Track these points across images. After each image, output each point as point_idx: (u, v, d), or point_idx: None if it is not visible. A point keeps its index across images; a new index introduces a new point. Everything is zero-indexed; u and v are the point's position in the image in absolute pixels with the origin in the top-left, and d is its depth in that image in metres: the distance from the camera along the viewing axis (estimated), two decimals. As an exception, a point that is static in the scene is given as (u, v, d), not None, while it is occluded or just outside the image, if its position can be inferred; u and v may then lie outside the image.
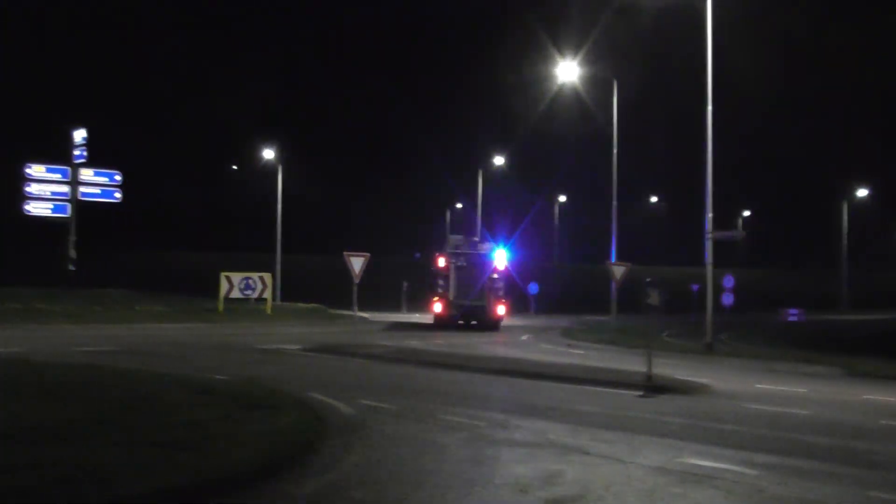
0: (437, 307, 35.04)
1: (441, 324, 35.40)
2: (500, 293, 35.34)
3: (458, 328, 35.35)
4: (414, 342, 28.40)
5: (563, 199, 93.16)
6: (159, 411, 11.17)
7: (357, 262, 24.27)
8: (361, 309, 35.46)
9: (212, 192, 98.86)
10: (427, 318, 39.96)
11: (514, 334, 36.05)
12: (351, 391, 14.99)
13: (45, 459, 8.11)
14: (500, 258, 35.47)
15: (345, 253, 25.09)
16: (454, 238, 36.86)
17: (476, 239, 38.70)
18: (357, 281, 24.59)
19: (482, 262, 35.19)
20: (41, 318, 31.10)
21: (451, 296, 34.86)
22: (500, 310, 35.41)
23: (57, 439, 9.10)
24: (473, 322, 35.31)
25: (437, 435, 11.15)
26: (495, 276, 35.11)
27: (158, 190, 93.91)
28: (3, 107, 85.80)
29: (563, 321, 47.31)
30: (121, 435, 9.44)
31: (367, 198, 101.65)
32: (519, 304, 56.74)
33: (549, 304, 61.77)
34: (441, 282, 34.69)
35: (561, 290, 70.66)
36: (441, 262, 34.89)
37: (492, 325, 35.59)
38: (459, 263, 34.95)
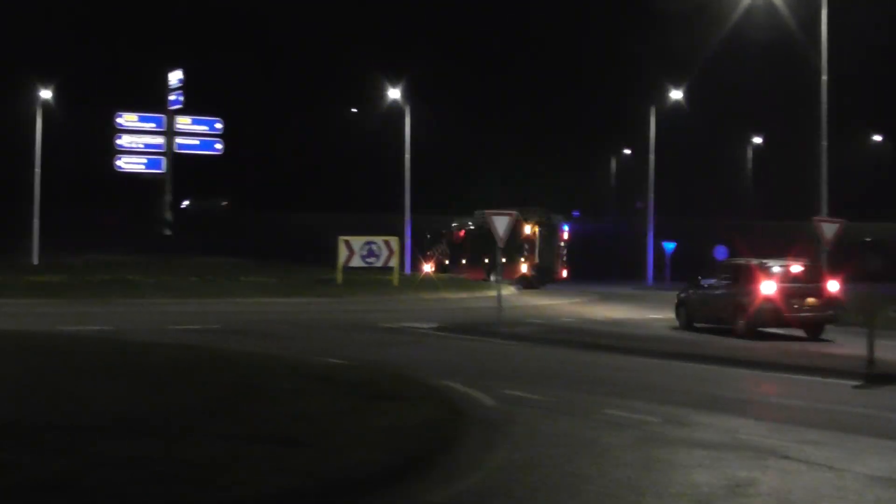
0: (524, 268, 49.08)
1: (525, 283, 48.14)
2: (565, 258, 50.98)
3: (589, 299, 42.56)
4: (568, 318, 28.36)
5: (757, 140, 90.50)
6: (269, 401, 11.58)
7: (501, 223, 24.26)
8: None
9: (326, 142, 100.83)
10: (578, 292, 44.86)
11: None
12: (493, 379, 15.13)
13: (140, 454, 8.56)
14: (568, 229, 51.79)
15: (486, 211, 25.16)
16: (533, 209, 50.50)
17: (540, 209, 53.24)
18: (501, 245, 24.69)
19: (556, 232, 50.60)
20: (133, 290, 32.59)
21: (535, 259, 49.08)
22: (564, 273, 50.58)
23: (154, 432, 9.56)
24: (546, 282, 49.41)
25: (599, 433, 11.14)
26: (562, 243, 50.56)
27: (264, 140, 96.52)
28: (90, 46, 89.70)
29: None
30: (224, 428, 9.85)
31: (512, 145, 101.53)
32: (687, 272, 55.89)
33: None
34: (527, 247, 49.16)
35: (756, 254, 68.77)
36: (527, 230, 48.82)
37: (540, 284, 48.70)
38: (542, 232, 49.65)
